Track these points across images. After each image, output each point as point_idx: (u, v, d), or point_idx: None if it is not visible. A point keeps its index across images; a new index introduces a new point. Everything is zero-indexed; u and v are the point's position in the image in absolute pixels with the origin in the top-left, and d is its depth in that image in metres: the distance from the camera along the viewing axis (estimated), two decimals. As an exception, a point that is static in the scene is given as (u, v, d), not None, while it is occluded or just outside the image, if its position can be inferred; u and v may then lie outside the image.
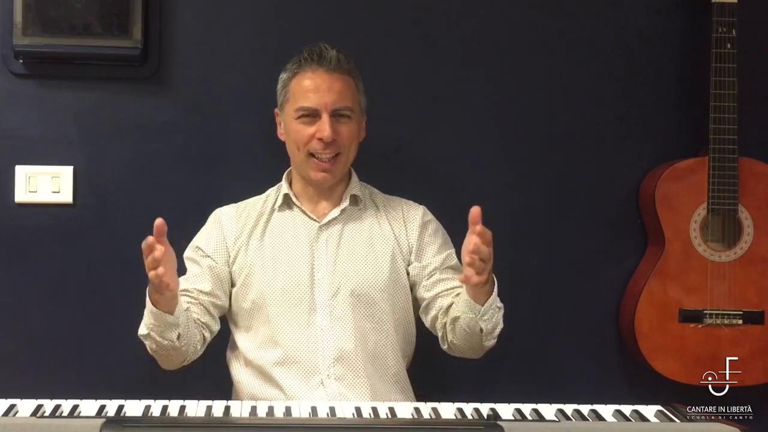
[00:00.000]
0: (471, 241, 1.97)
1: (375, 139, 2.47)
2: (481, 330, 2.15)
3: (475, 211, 1.97)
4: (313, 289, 2.32)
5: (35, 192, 2.77)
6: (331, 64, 2.32)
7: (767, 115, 2.95)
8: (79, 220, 2.80)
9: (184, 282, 2.32)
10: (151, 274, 2.01)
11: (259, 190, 2.45)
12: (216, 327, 2.35)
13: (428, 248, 2.39)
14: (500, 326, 2.22)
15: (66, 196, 2.78)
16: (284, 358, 2.29)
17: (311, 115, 2.31)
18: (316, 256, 2.34)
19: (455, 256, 2.37)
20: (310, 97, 2.31)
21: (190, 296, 2.31)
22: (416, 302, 2.40)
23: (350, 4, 2.87)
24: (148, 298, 2.16)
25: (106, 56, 2.73)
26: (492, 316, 2.16)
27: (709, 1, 2.76)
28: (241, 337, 2.37)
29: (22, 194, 2.77)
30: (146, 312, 2.19)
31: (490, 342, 2.22)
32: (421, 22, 2.89)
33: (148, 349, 2.26)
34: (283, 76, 2.39)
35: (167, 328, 2.16)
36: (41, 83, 2.79)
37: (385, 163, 2.73)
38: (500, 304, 2.19)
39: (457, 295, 2.25)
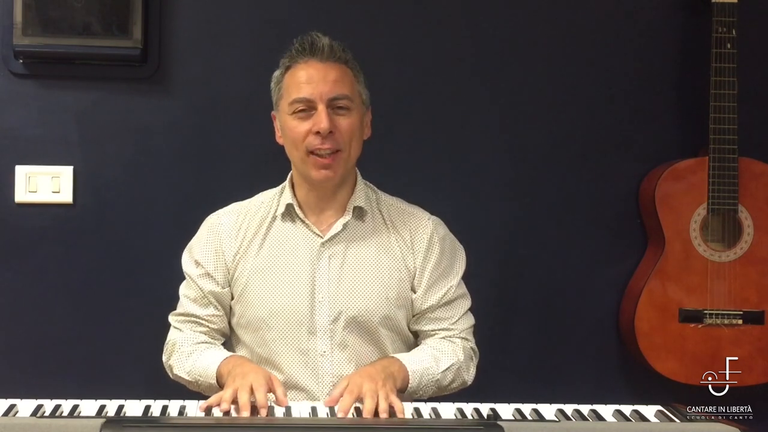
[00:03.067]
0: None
1: (375, 139, 2.45)
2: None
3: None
4: (313, 311, 2.19)
5: (35, 192, 2.77)
6: (324, 53, 2.16)
7: (767, 115, 2.95)
8: (79, 220, 2.80)
9: (191, 305, 2.25)
10: (243, 398, 1.90)
11: (259, 190, 2.43)
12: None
13: (428, 280, 2.24)
14: (457, 383, 2.21)
15: (66, 196, 2.78)
16: (282, 382, 2.16)
17: (306, 109, 2.14)
18: (318, 276, 2.20)
19: (456, 287, 2.26)
20: (303, 88, 2.14)
21: (205, 324, 2.24)
22: (411, 321, 2.30)
23: (352, 5, 2.87)
24: (216, 374, 2.10)
25: (106, 56, 2.73)
26: (425, 393, 2.15)
27: (709, 1, 2.76)
28: (237, 350, 2.29)
29: (22, 194, 2.77)
30: (201, 373, 2.14)
31: (450, 391, 2.22)
32: (422, 23, 2.89)
33: (175, 379, 2.23)
34: (276, 73, 2.23)
35: (215, 390, 2.11)
36: (41, 83, 2.79)
37: (385, 164, 2.73)
38: (433, 377, 2.15)
39: (444, 338, 2.25)
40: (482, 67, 2.91)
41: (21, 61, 2.74)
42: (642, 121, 2.94)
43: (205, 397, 1.95)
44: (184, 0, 2.82)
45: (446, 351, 2.21)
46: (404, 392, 2.10)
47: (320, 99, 2.13)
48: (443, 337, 2.25)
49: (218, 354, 2.17)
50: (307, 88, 2.14)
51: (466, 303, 2.30)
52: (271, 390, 1.94)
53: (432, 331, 2.25)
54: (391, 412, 1.91)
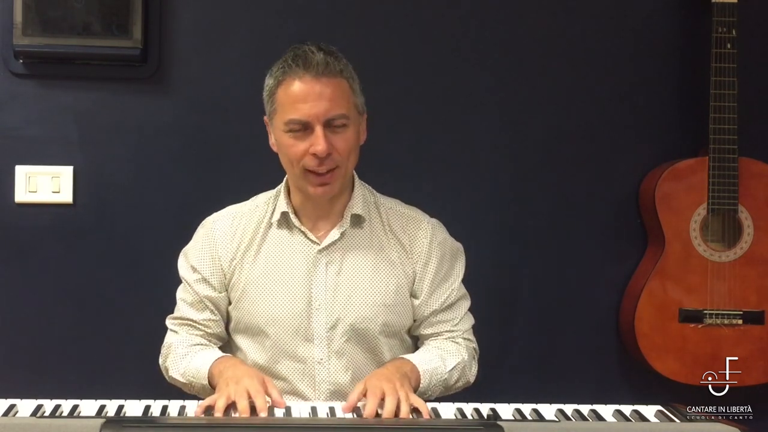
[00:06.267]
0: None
1: (374, 140, 2.45)
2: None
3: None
4: (310, 318, 2.17)
5: (35, 192, 2.77)
6: (318, 68, 2.06)
7: (767, 115, 2.95)
8: (79, 220, 2.80)
9: (187, 309, 2.24)
10: (242, 405, 1.87)
11: (260, 190, 2.42)
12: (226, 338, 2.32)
13: (430, 286, 2.22)
14: (462, 382, 2.21)
15: (66, 196, 2.78)
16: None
17: (303, 129, 2.08)
18: (314, 283, 2.18)
19: (457, 289, 2.25)
20: (299, 108, 2.06)
21: (201, 327, 2.23)
22: (413, 326, 2.29)
23: (351, 4, 2.87)
24: (208, 374, 2.09)
25: (106, 56, 2.73)
26: (433, 393, 2.15)
27: (709, 1, 2.76)
28: (236, 353, 2.27)
29: (22, 194, 2.77)
30: (195, 374, 2.12)
31: (455, 390, 2.22)
32: (420, 22, 2.89)
33: (171, 382, 2.22)
34: (269, 82, 2.14)
35: (209, 392, 2.10)
36: (41, 83, 2.79)
37: (385, 164, 2.73)
38: (441, 377, 2.14)
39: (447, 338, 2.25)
40: (481, 67, 2.91)
41: (21, 61, 2.74)
42: (642, 121, 2.94)
43: (203, 398, 1.95)
44: (184, 0, 2.82)
45: (451, 350, 2.21)
46: (415, 393, 2.06)
47: (317, 120, 2.07)
48: (447, 338, 2.24)
49: (211, 354, 2.16)
50: (303, 108, 2.07)
51: (467, 303, 2.30)
52: (267, 393, 1.92)
53: (436, 333, 2.25)
54: (416, 412, 1.90)
